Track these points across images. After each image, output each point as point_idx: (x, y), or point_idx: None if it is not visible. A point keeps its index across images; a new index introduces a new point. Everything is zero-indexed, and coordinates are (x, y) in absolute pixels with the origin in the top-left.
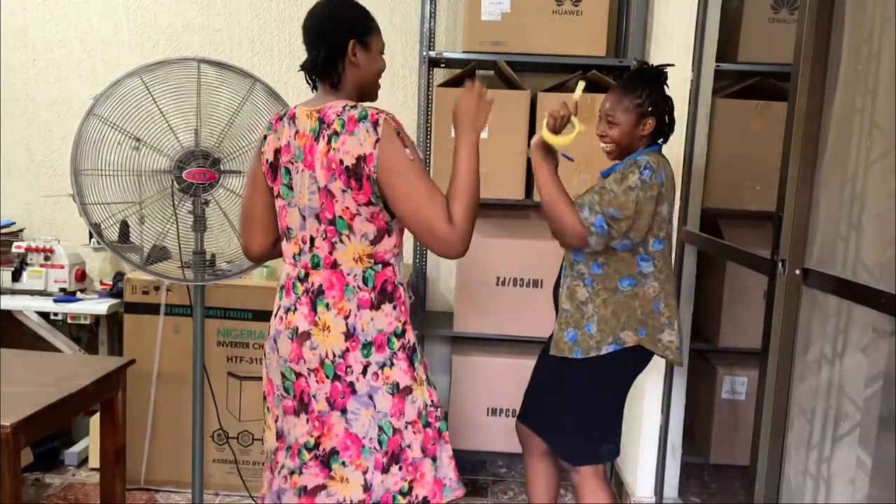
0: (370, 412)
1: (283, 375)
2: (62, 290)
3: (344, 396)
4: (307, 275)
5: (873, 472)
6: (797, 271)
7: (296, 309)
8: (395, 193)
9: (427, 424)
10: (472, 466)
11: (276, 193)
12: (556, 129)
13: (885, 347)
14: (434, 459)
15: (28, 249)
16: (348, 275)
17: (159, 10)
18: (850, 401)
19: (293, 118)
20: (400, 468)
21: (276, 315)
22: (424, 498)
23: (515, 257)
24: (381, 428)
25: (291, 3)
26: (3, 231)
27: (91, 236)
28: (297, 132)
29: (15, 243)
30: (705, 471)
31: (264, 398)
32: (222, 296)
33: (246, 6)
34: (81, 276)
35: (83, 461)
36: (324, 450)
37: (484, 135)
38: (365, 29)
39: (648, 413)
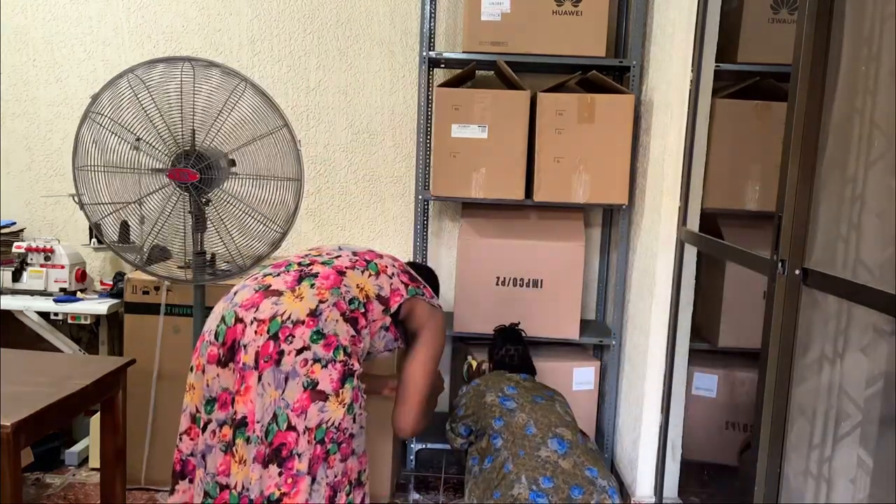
0: (276, 394)
1: (222, 319)
2: (62, 290)
3: (269, 360)
4: (310, 264)
5: (874, 472)
6: (797, 271)
7: (278, 275)
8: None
9: (321, 441)
10: None
11: None
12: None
13: (885, 347)
14: (314, 480)
15: (28, 249)
16: (345, 286)
17: (159, 11)
18: (851, 400)
19: None
20: (280, 473)
21: (228, 299)
22: None
23: (515, 257)
24: (275, 415)
25: (291, 4)
26: (4, 231)
27: (91, 236)
28: None
29: (15, 243)
30: (705, 471)
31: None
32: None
33: (246, 6)
34: (82, 276)
35: (83, 461)
36: (235, 414)
37: (483, 134)
38: None
39: (648, 413)
